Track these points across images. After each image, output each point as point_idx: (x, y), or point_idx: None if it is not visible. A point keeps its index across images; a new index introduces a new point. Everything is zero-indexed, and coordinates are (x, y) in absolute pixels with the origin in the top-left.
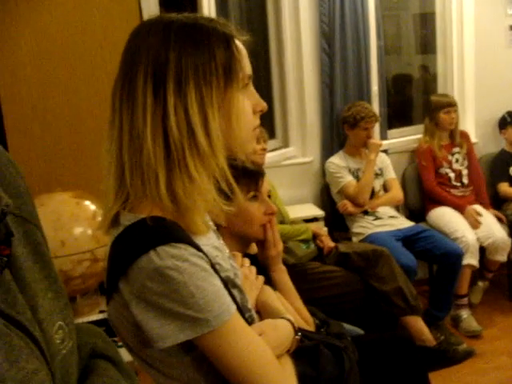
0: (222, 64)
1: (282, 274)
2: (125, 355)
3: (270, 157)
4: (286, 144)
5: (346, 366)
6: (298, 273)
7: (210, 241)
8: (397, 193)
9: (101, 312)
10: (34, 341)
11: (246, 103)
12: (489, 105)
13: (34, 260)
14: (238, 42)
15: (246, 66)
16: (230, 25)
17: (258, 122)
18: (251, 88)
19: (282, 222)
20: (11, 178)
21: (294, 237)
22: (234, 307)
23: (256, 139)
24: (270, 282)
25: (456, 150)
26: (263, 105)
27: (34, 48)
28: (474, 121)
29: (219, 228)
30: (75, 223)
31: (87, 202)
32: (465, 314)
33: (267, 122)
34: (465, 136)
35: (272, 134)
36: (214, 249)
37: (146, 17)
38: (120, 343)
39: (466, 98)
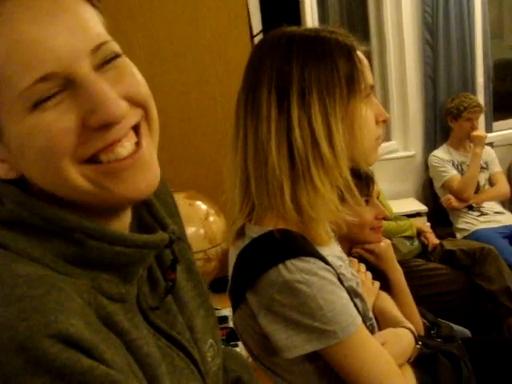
0: (345, 75)
1: (399, 275)
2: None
3: None
4: (387, 138)
5: (464, 375)
6: (402, 270)
7: (333, 250)
8: (503, 187)
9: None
10: (194, 361)
11: (369, 113)
12: None
13: (188, 278)
14: (359, 53)
15: (368, 77)
16: (351, 36)
17: (380, 131)
18: (373, 98)
19: (385, 218)
20: (166, 199)
21: (398, 233)
22: (359, 319)
23: None
24: (382, 287)
25: None
26: (386, 115)
27: (146, 50)
28: None
29: None
30: (188, 224)
31: (199, 203)
32: None
33: None
34: None
35: None
36: (337, 259)
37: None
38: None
39: None
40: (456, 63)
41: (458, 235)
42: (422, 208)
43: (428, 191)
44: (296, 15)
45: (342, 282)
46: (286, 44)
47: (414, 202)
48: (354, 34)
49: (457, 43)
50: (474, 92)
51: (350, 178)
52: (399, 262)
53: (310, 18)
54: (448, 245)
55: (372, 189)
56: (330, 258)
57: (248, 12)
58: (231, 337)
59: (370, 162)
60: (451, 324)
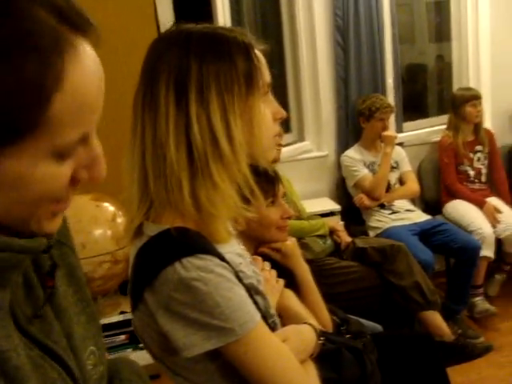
0: (243, 72)
1: (306, 273)
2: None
3: (285, 151)
4: (301, 138)
5: (367, 369)
6: (315, 268)
7: (233, 247)
8: (413, 185)
9: (121, 313)
10: (68, 370)
11: (267, 111)
12: (505, 95)
13: (69, 283)
14: (257, 51)
15: (266, 74)
16: (249, 34)
17: (278, 129)
18: (270, 96)
19: (298, 218)
20: None
21: (311, 232)
22: (258, 315)
23: None
24: (289, 284)
25: (479, 148)
26: (283, 112)
27: None
28: (490, 111)
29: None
30: (95, 225)
31: (106, 204)
32: (479, 300)
33: None
34: (489, 134)
35: (287, 128)
36: (237, 256)
37: (161, 22)
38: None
39: (481, 88)
40: (367, 65)
41: (371, 233)
42: (336, 207)
43: (341, 190)
44: (208, 15)
45: (241, 280)
46: (185, 40)
47: (327, 202)
48: (267, 36)
49: (367, 46)
50: (384, 93)
51: (249, 174)
52: (312, 260)
53: (222, 18)
54: (360, 243)
55: (277, 189)
56: (229, 256)
57: (155, 12)
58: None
59: (269, 158)
60: (361, 320)
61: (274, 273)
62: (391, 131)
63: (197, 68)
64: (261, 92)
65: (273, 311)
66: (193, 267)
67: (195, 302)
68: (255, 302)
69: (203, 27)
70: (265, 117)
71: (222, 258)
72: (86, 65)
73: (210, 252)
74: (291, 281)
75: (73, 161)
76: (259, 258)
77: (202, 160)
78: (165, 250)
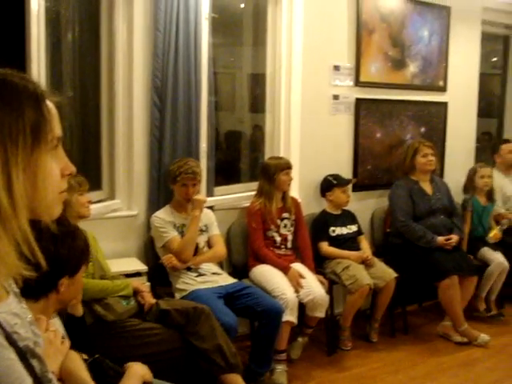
0: (31, 123)
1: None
2: None
3: (94, 208)
4: (111, 196)
5: None
6: (117, 330)
7: (10, 307)
8: (220, 249)
9: None
10: None
11: (54, 165)
12: (312, 167)
13: None
14: (49, 103)
15: (56, 128)
16: (42, 85)
17: (65, 185)
18: (60, 150)
19: (102, 277)
20: None
21: (115, 292)
22: (29, 381)
23: (79, 192)
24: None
25: (286, 215)
26: (72, 168)
27: None
28: (297, 180)
29: None
30: None
31: None
32: (280, 368)
33: (93, 172)
34: (295, 202)
35: (98, 186)
36: (13, 316)
37: None
38: None
39: (291, 159)
40: (182, 128)
41: (177, 295)
42: (143, 268)
43: (149, 251)
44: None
45: (15, 342)
46: None
47: (134, 262)
48: (84, 89)
49: (184, 110)
50: (197, 157)
51: (29, 230)
52: (115, 321)
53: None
54: (163, 304)
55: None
56: (2, 316)
57: None
58: None
59: (54, 215)
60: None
61: (59, 333)
62: (201, 195)
63: None
64: (49, 146)
65: (50, 376)
66: None
67: None
68: (30, 366)
69: None
70: (51, 171)
71: None
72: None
73: None
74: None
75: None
76: (43, 318)
77: None
78: None
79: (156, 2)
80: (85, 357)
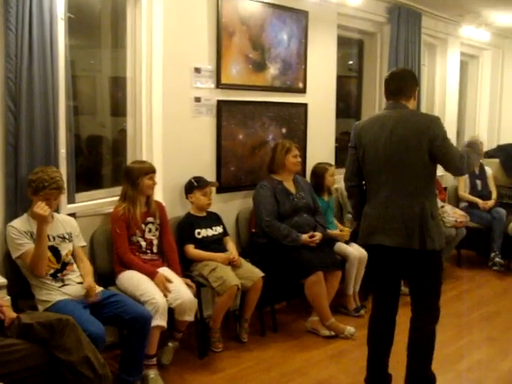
0: None
1: None
2: None
3: None
4: None
5: None
6: None
7: None
8: (88, 265)
9: None
10: None
11: None
12: (175, 170)
13: None
14: None
15: None
16: None
17: None
18: None
19: None
20: None
21: None
22: None
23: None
24: None
25: (150, 219)
26: None
27: None
28: (161, 184)
29: None
30: None
31: None
32: (152, 373)
33: None
34: (160, 206)
35: None
36: None
37: None
38: None
39: (154, 163)
40: (39, 134)
41: (40, 307)
42: (2, 280)
43: (8, 262)
44: None
45: None
46: None
47: None
48: None
49: (40, 114)
50: (56, 163)
51: None
52: None
53: None
54: (25, 318)
55: None
56: None
57: None
58: None
59: None
60: None
61: None
62: (40, 206)
63: None
64: None
65: None
66: None
67: None
68: None
69: None
70: None
71: None
72: None
73: None
74: None
75: None
76: None
77: None
78: None
79: None
80: None
